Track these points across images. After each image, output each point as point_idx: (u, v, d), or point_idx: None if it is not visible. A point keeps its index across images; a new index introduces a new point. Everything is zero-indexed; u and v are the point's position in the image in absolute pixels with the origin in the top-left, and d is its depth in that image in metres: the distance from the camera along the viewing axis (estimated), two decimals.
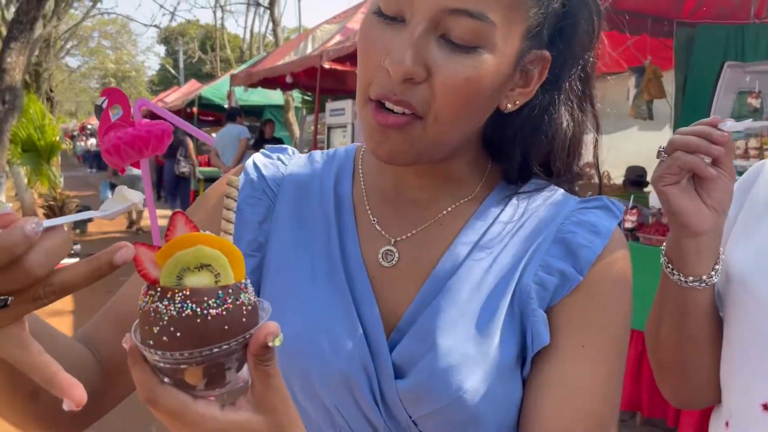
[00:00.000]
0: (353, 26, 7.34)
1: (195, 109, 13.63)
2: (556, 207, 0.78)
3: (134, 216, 10.20)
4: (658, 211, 3.26)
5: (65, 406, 0.48)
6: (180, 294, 0.49)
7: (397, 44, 0.66)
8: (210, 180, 9.68)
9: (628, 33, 4.24)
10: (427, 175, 0.78)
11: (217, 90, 13.17)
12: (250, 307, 0.51)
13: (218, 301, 0.49)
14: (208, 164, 11.22)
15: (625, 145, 5.16)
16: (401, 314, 0.73)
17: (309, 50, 7.90)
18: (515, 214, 0.78)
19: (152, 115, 0.58)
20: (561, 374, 0.71)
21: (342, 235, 0.78)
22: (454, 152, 0.76)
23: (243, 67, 11.77)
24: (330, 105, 7.96)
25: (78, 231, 9.80)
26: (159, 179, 11.99)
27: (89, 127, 29.69)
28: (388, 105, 0.68)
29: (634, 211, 3.52)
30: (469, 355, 0.69)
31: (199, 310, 0.48)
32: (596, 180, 0.87)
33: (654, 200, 3.41)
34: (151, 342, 0.49)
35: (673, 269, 0.91)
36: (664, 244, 0.94)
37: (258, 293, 0.78)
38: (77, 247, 7.39)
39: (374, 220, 0.79)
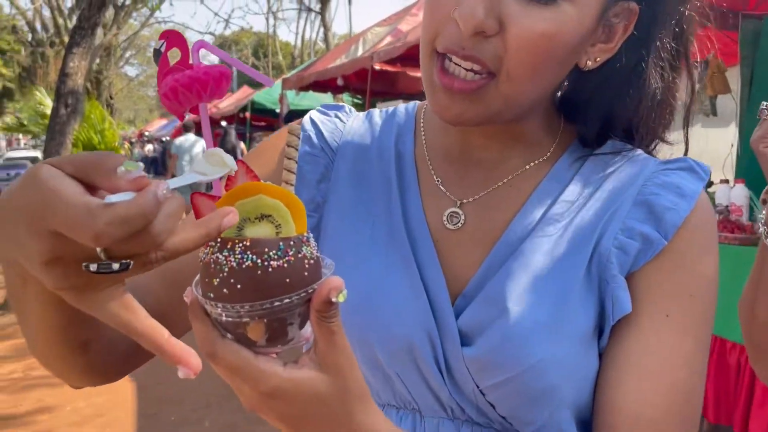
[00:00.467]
0: (404, 28, 7.33)
1: (248, 114, 13.87)
2: (636, 167, 0.72)
3: None
4: (726, 209, 3.12)
5: (181, 374, 0.45)
6: (240, 245, 0.47)
7: None
8: None
9: None
10: (497, 135, 0.74)
11: (269, 95, 13.36)
12: (312, 261, 0.49)
13: (279, 253, 0.47)
14: None
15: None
16: (467, 279, 0.70)
17: (359, 53, 7.93)
18: (591, 176, 0.73)
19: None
20: (643, 345, 0.65)
21: (404, 196, 0.75)
22: (527, 112, 0.71)
23: (295, 71, 11.92)
24: (380, 107, 7.95)
25: None
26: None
27: (146, 134, 30.64)
28: (456, 60, 0.64)
29: None
30: (542, 321, 0.65)
31: (259, 261, 0.46)
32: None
33: (720, 198, 3.26)
34: (212, 294, 0.47)
35: None
36: (763, 212, 0.88)
37: None
38: None
39: (438, 181, 0.75)
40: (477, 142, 0.75)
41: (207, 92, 0.49)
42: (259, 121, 15.21)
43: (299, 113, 11.97)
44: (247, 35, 36.08)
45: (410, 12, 7.71)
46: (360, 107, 11.05)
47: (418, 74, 0.72)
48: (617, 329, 0.67)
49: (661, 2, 0.69)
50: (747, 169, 3.65)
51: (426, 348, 0.67)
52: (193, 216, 0.49)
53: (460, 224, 0.72)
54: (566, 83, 0.76)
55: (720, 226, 3.13)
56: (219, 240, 0.48)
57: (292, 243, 0.48)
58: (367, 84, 7.54)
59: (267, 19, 28.19)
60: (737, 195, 3.11)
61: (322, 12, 15.21)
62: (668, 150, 0.79)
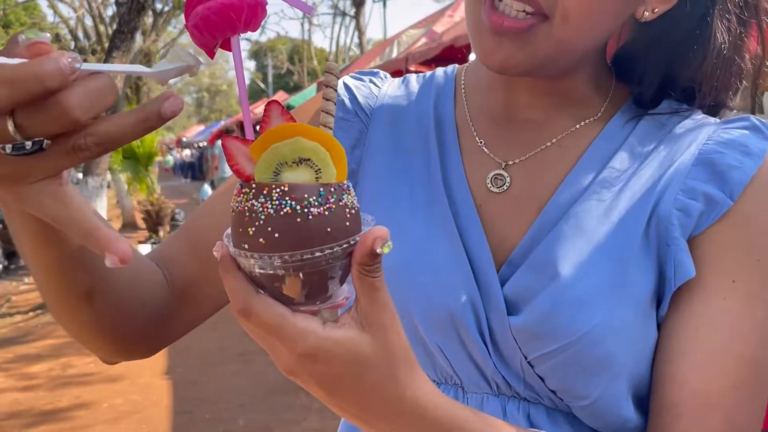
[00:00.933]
0: (439, 29, 7.28)
1: None
2: (696, 126, 0.67)
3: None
4: None
5: (108, 262, 0.43)
6: (278, 190, 0.43)
7: None
8: None
9: None
10: (544, 93, 0.70)
11: (305, 98, 13.43)
12: (353, 211, 0.45)
13: (320, 200, 0.43)
14: None
15: None
16: (513, 245, 0.65)
17: (394, 54, 7.91)
18: (647, 136, 0.68)
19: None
20: (709, 314, 0.60)
21: (444, 159, 0.71)
22: (577, 65, 0.67)
23: None
24: None
25: None
26: None
27: (184, 139, 31.17)
28: (507, 0, 0.60)
29: None
30: (597, 286, 0.60)
31: (299, 208, 0.42)
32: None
33: None
34: (246, 245, 0.43)
35: None
36: None
37: None
38: None
39: (481, 142, 0.71)
40: (522, 100, 0.71)
41: (241, 21, 0.44)
42: None
43: None
44: (282, 41, 36.47)
45: (445, 14, 7.66)
46: None
47: None
48: (678, 297, 0.61)
49: None
50: None
51: (469, 318, 0.63)
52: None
53: (505, 187, 0.68)
54: (622, 38, 0.70)
55: None
56: (254, 185, 0.44)
57: (332, 189, 0.44)
58: None
59: (302, 24, 28.49)
60: None
61: (357, 16, 15.28)
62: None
